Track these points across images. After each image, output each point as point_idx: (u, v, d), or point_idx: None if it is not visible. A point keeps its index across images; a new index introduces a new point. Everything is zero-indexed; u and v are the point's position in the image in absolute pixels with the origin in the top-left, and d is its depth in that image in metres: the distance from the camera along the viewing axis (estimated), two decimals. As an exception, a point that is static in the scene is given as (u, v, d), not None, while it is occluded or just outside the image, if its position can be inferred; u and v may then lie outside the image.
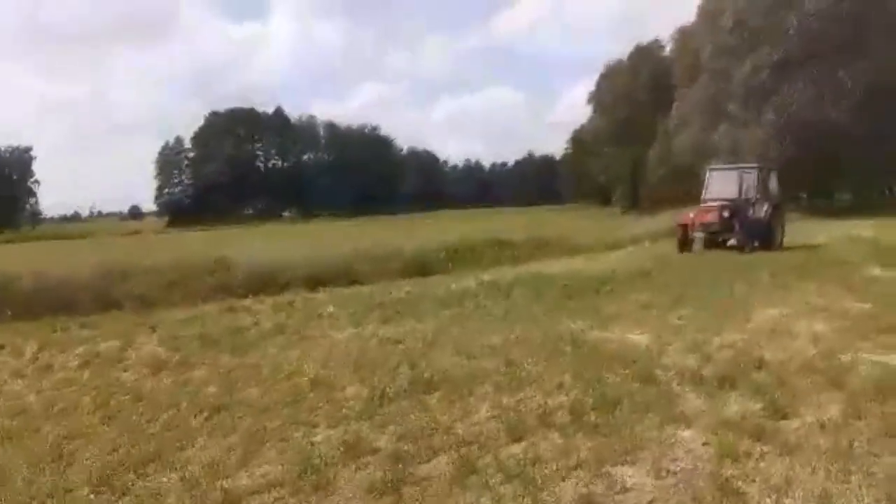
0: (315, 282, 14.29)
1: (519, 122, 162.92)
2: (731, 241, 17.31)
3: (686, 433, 4.70)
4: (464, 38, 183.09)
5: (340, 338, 8.59)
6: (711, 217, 17.54)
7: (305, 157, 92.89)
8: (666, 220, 25.87)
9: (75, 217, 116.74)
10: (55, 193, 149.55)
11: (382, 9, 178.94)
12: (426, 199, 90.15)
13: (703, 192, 18.84)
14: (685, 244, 17.74)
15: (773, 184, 19.32)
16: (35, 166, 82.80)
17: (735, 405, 5.23)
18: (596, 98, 63.86)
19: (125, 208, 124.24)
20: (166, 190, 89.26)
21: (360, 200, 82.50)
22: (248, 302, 11.92)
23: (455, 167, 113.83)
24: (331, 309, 10.78)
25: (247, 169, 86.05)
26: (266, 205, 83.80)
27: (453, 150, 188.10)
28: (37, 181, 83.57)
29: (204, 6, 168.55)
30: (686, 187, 38.40)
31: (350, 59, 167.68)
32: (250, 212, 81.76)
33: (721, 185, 18.58)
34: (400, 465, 4.26)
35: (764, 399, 5.29)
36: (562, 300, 10.66)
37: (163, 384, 6.67)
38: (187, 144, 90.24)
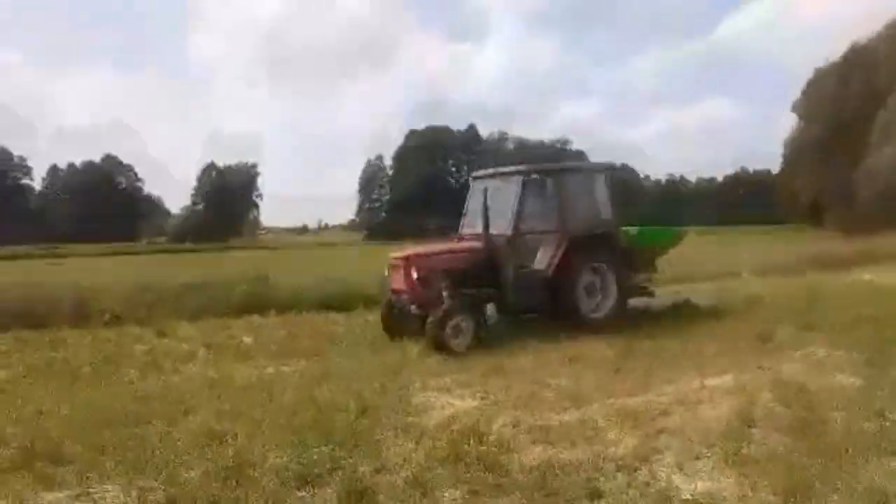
0: (327, 306, 13.67)
1: (735, 135, 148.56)
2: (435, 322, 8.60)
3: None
4: (682, 48, 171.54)
5: (180, 376, 7.85)
6: (398, 280, 9.51)
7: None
8: (849, 248, 21.53)
9: (303, 229, 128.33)
10: (289, 206, 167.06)
11: (599, 26, 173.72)
12: (621, 215, 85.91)
13: (461, 220, 10.75)
14: (390, 319, 9.76)
15: (587, 202, 10.28)
16: (262, 181, 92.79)
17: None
18: (803, 107, 56.29)
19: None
20: (366, 205, 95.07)
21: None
22: (187, 326, 11.54)
23: (658, 182, 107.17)
24: (247, 340, 10.07)
25: (437, 185, 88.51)
26: (452, 220, 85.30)
27: (658, 166, 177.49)
28: (260, 195, 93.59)
29: (430, 30, 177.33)
30: (897, 207, 32.16)
31: (559, 76, 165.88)
32: (433, 227, 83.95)
33: (478, 208, 9.67)
34: None
35: None
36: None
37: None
38: (388, 161, 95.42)
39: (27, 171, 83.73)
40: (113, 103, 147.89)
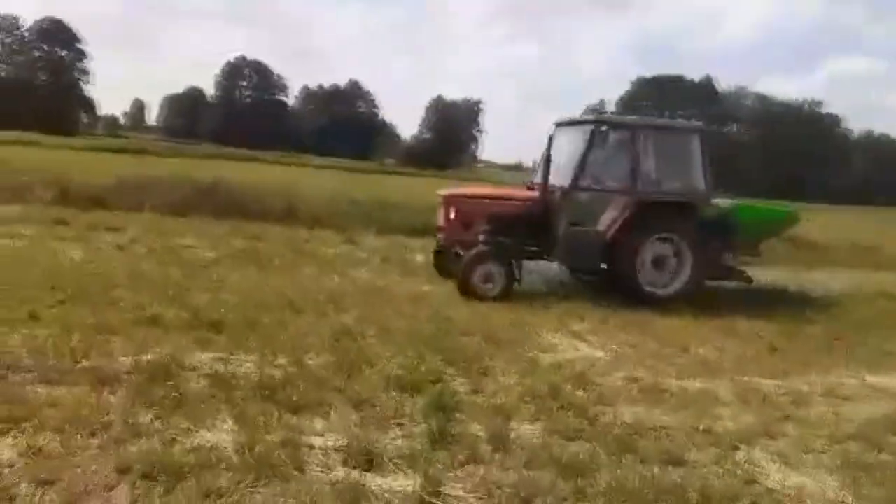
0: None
1: None
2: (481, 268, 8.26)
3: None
4: None
5: (348, 279, 8.62)
6: (440, 218, 9.32)
7: (726, 129, 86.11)
8: None
9: (516, 166, 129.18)
10: (508, 144, 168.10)
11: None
12: (875, 191, 75.65)
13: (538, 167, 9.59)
14: (437, 256, 9.66)
15: (669, 164, 9.11)
16: (484, 118, 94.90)
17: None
18: None
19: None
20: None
21: (784, 182, 73.06)
22: (373, 239, 12.45)
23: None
24: (419, 258, 10.69)
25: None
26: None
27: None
28: (480, 130, 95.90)
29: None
30: None
31: (825, 31, 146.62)
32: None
33: (565, 155, 9.02)
34: None
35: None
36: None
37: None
38: (611, 108, 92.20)
39: (284, 89, 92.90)
40: (361, 34, 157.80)
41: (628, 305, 8.17)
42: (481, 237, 8.52)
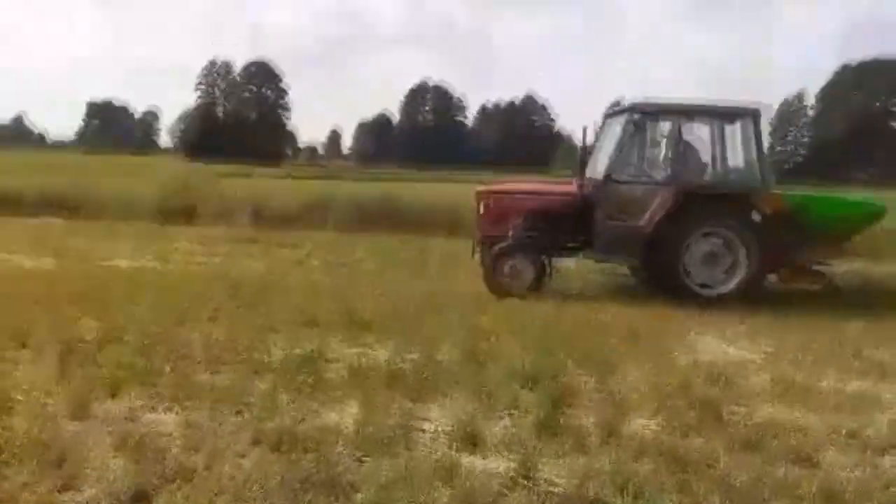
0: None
1: None
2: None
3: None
4: None
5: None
6: (477, 216, 9.12)
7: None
8: None
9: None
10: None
11: None
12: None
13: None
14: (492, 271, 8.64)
15: (719, 152, 8.43)
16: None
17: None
18: None
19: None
20: (778, 147, 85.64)
21: None
22: None
23: None
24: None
25: (876, 129, 74.87)
26: (885, 170, 71.52)
27: None
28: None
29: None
30: None
31: None
32: (863, 176, 71.28)
33: (605, 146, 8.89)
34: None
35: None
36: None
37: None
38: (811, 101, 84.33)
39: (463, 109, 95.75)
40: (538, 46, 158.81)
41: (799, 306, 7.60)
42: (511, 232, 8.49)
